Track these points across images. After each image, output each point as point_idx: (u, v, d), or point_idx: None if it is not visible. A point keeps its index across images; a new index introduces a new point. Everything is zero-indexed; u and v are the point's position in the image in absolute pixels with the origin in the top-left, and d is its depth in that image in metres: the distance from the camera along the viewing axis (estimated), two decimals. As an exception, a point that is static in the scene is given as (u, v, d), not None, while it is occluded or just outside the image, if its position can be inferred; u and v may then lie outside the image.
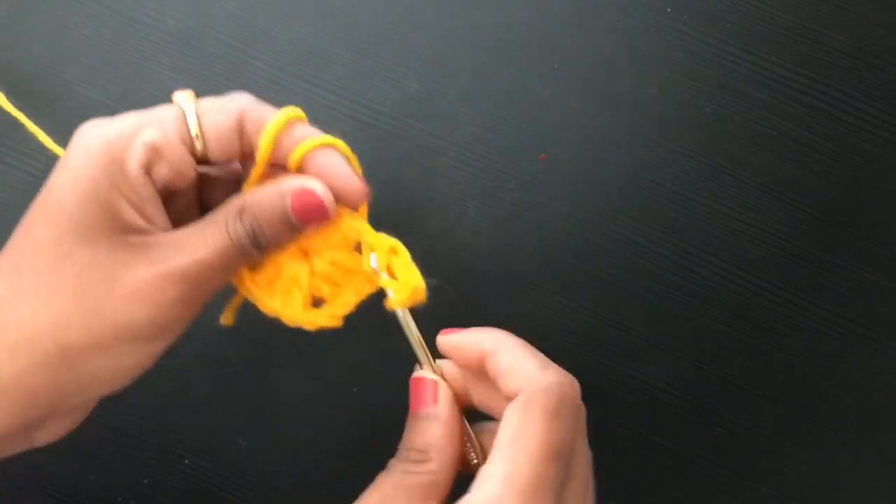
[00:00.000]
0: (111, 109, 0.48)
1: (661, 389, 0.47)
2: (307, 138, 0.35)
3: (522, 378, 0.31)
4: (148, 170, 0.32)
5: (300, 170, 0.35)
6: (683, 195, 0.48)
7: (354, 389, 0.47)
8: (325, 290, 0.37)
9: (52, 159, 0.46)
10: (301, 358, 0.47)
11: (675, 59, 0.49)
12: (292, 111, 0.35)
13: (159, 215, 0.33)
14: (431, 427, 0.33)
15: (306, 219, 0.34)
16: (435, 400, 0.33)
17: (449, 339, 0.34)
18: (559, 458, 0.29)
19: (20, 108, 0.47)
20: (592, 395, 0.47)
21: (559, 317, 0.47)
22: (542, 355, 0.32)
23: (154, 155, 0.32)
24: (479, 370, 0.33)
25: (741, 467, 0.47)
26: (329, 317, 0.36)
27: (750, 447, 0.47)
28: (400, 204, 0.48)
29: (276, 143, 0.34)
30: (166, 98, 0.48)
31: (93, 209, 0.31)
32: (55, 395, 0.31)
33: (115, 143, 0.32)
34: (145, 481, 0.46)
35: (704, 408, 0.47)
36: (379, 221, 0.47)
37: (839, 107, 0.49)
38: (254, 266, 0.36)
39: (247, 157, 0.36)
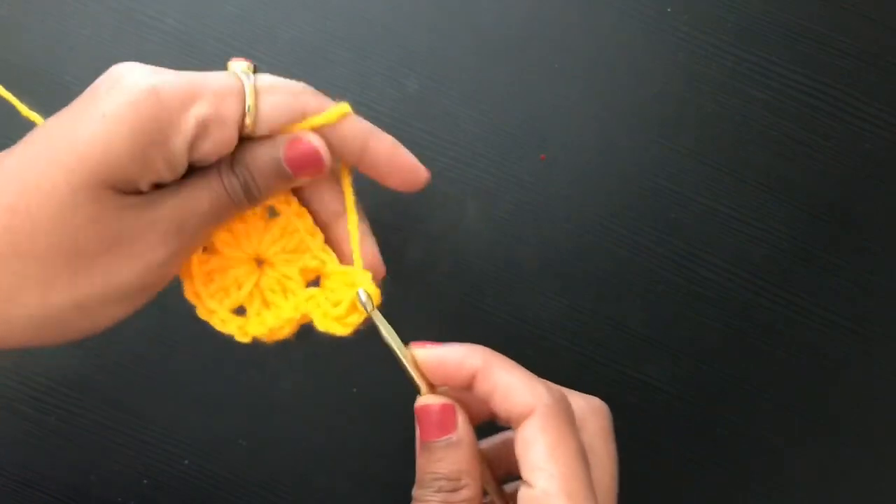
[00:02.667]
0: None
1: (661, 389, 0.47)
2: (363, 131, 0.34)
3: (530, 395, 0.30)
4: (191, 146, 0.31)
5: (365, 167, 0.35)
6: (683, 195, 0.48)
7: (354, 389, 0.47)
8: (254, 304, 0.36)
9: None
10: (301, 358, 0.47)
11: (675, 59, 0.49)
12: (344, 107, 0.34)
13: (178, 173, 0.32)
14: (457, 453, 0.31)
15: (300, 168, 0.33)
16: (453, 425, 0.31)
17: (431, 353, 0.32)
18: (586, 462, 0.30)
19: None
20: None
21: (559, 317, 0.47)
22: (529, 372, 0.32)
23: (202, 132, 0.31)
24: (463, 387, 0.32)
25: (741, 467, 0.47)
26: (239, 329, 0.36)
27: (750, 447, 0.47)
28: (400, 204, 0.48)
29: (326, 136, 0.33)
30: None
31: (117, 172, 0.29)
32: (23, 340, 0.30)
33: (166, 109, 0.29)
34: (145, 481, 0.46)
35: (704, 408, 0.47)
36: (379, 222, 0.47)
37: (839, 107, 0.49)
38: (206, 252, 0.35)
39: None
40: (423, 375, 0.33)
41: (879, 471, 0.48)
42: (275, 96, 0.32)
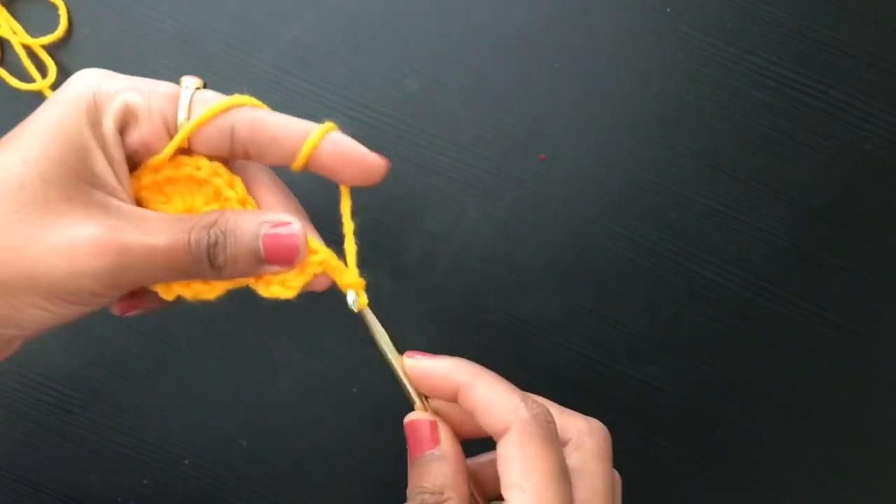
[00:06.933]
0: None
1: (661, 389, 0.47)
2: (306, 131, 0.33)
3: (507, 412, 0.31)
4: (121, 130, 0.32)
5: (311, 163, 0.34)
6: (683, 195, 0.48)
7: (354, 389, 0.47)
8: None
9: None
10: (301, 358, 0.47)
11: (675, 59, 0.49)
12: (247, 99, 0.34)
13: (125, 181, 0.33)
14: (440, 467, 0.32)
15: (274, 255, 0.33)
16: (436, 441, 0.32)
17: (418, 364, 0.33)
18: (566, 479, 0.30)
19: (20, 109, 0.47)
20: (592, 394, 0.48)
21: (559, 317, 0.47)
22: (514, 387, 0.32)
23: (129, 118, 0.32)
24: (450, 400, 0.33)
25: (741, 467, 0.47)
26: (164, 286, 0.35)
27: (750, 447, 0.47)
28: (400, 204, 0.48)
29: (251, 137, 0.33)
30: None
31: (66, 149, 0.31)
32: None
33: (102, 95, 0.32)
34: (145, 481, 0.46)
35: (704, 408, 0.47)
36: (378, 221, 0.47)
37: (839, 107, 0.49)
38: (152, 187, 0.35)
39: (237, 158, 0.35)
40: (413, 385, 0.33)
41: (879, 471, 0.48)
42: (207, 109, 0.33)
